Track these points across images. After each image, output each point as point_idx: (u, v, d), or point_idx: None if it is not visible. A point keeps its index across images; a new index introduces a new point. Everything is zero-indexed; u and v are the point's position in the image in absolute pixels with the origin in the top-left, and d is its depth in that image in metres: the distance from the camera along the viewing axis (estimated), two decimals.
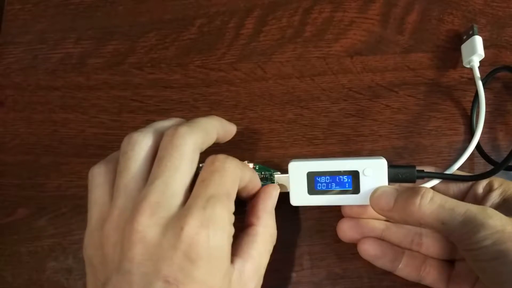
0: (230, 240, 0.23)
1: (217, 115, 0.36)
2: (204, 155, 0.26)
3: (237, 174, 0.25)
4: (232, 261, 0.25)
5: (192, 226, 0.21)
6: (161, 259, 0.21)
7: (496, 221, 0.24)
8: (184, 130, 0.24)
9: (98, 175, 0.25)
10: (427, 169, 0.30)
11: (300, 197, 0.30)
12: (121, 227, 0.23)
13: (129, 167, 0.24)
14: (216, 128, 0.27)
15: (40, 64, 0.39)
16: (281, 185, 0.30)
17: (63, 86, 0.38)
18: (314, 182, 0.29)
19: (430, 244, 0.30)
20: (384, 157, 0.29)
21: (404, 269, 0.30)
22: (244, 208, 0.29)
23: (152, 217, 0.22)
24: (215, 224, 0.22)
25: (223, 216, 0.23)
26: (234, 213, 0.24)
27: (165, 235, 0.22)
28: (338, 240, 0.32)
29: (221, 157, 0.25)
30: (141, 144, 0.24)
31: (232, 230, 0.24)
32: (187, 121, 0.26)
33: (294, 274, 0.33)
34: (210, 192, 0.23)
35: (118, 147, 0.36)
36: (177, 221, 0.22)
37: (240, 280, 0.25)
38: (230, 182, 0.24)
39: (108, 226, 0.23)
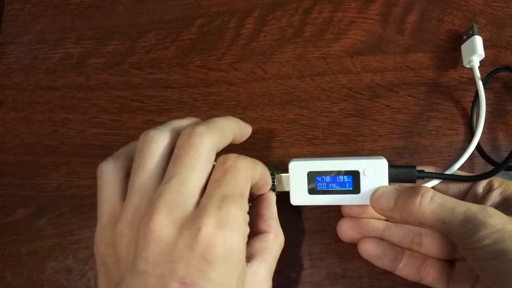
0: (245, 240, 0.23)
1: (217, 115, 0.36)
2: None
3: (249, 172, 0.25)
4: (247, 262, 0.25)
5: (209, 227, 0.21)
6: (177, 260, 0.21)
7: (496, 220, 0.24)
8: (201, 129, 0.24)
9: (107, 172, 0.25)
10: (427, 169, 0.30)
11: (300, 196, 0.30)
12: (135, 226, 0.22)
13: (145, 165, 0.24)
14: (233, 128, 0.27)
15: (40, 64, 0.39)
16: (280, 185, 0.31)
17: (63, 86, 0.38)
18: (314, 182, 0.29)
19: (430, 244, 0.30)
20: (384, 157, 0.29)
21: (404, 269, 0.30)
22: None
23: (169, 216, 0.21)
24: (231, 224, 0.22)
25: (239, 216, 0.23)
26: None
27: (181, 235, 0.21)
28: (338, 240, 0.32)
29: (233, 156, 0.24)
30: (157, 142, 0.24)
31: (247, 230, 0.23)
32: (204, 121, 0.26)
33: (294, 274, 0.33)
34: (224, 192, 0.23)
35: (118, 147, 0.36)
36: (193, 221, 0.21)
37: (254, 281, 0.25)
38: (243, 181, 0.24)
39: (122, 224, 0.23)
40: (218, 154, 0.25)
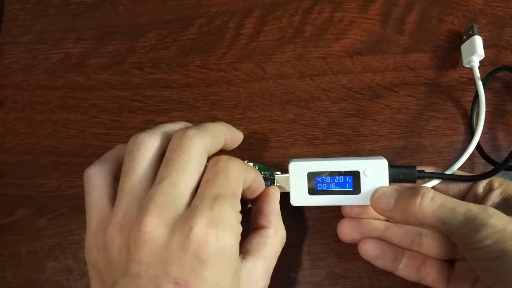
0: (238, 238, 0.23)
1: (217, 115, 0.36)
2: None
3: (241, 173, 0.25)
4: (243, 258, 0.25)
5: (201, 226, 0.21)
6: (170, 260, 0.21)
7: (496, 220, 0.24)
8: (193, 132, 0.24)
9: (94, 176, 0.25)
10: (427, 169, 0.30)
11: (300, 197, 0.30)
12: (126, 229, 0.22)
13: (134, 168, 0.24)
14: (224, 133, 0.27)
15: (40, 64, 0.39)
16: (280, 186, 0.30)
17: (63, 86, 0.38)
18: (314, 182, 0.29)
19: (430, 244, 0.30)
20: (384, 157, 0.29)
21: (404, 269, 0.30)
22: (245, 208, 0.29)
23: (160, 217, 0.21)
24: (223, 223, 0.22)
25: (231, 215, 0.23)
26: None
27: (173, 236, 0.21)
28: (338, 240, 0.32)
29: (224, 157, 0.25)
30: (147, 145, 0.24)
31: (240, 229, 0.23)
32: (195, 125, 0.26)
33: (294, 274, 0.33)
34: (216, 192, 0.23)
35: None
36: (185, 221, 0.21)
37: (250, 278, 0.25)
38: (234, 181, 0.24)
39: (112, 228, 0.23)
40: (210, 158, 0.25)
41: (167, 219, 0.22)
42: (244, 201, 0.25)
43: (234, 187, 0.24)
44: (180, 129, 0.24)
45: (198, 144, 0.24)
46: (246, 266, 0.25)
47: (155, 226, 0.21)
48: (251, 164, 0.31)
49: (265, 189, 0.29)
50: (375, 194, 0.28)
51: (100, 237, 0.23)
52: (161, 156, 0.24)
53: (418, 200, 0.26)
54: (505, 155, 0.33)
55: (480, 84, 0.33)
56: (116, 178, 0.25)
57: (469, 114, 0.35)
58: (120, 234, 0.23)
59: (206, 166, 0.25)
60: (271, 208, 0.28)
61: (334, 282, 0.33)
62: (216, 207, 0.22)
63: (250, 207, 0.30)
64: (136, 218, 0.22)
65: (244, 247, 0.26)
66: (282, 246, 0.28)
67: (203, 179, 0.24)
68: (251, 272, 0.25)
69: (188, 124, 0.28)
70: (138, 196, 0.23)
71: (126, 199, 0.23)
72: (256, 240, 0.27)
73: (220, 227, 0.22)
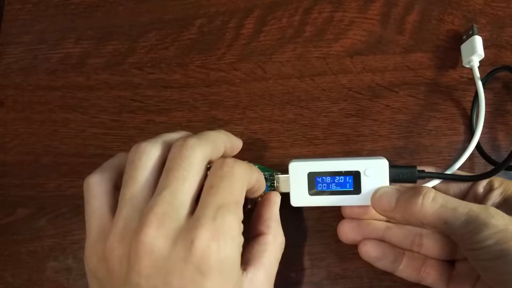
0: (240, 249, 0.23)
1: (217, 115, 0.36)
2: None
3: (245, 179, 0.25)
4: (244, 269, 0.25)
5: (203, 238, 0.21)
6: (171, 272, 0.21)
7: (498, 220, 0.24)
8: (193, 141, 0.24)
9: (94, 185, 0.25)
10: (428, 169, 0.30)
11: (300, 197, 0.30)
12: (127, 239, 0.22)
13: (136, 177, 0.24)
14: (224, 141, 0.27)
15: (40, 64, 0.39)
16: (280, 187, 0.30)
17: (63, 86, 0.38)
18: (314, 183, 0.29)
19: (431, 245, 0.30)
20: (384, 157, 0.29)
21: (405, 270, 0.30)
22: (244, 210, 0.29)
23: (160, 228, 0.21)
24: (225, 235, 0.22)
25: (233, 226, 0.22)
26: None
27: (174, 247, 0.21)
28: (338, 240, 0.32)
29: (230, 161, 0.24)
30: (148, 154, 0.24)
31: (241, 240, 0.23)
32: (195, 134, 0.26)
33: (294, 274, 0.33)
34: (219, 201, 0.22)
35: (118, 147, 0.36)
36: (186, 233, 0.21)
37: None
38: (239, 188, 0.24)
39: (113, 238, 0.23)
40: None
41: (168, 229, 0.22)
42: (244, 202, 0.25)
43: (237, 195, 0.24)
44: (180, 138, 0.24)
45: (198, 153, 0.23)
46: (247, 277, 0.25)
47: (155, 237, 0.21)
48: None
49: (265, 194, 0.29)
50: (376, 194, 0.28)
51: (100, 246, 0.23)
52: (162, 165, 0.24)
53: (420, 200, 0.26)
54: (505, 155, 0.33)
55: (480, 84, 0.33)
56: (116, 187, 0.25)
57: (469, 114, 0.35)
58: (120, 244, 0.22)
59: (207, 172, 0.24)
60: (270, 213, 0.28)
61: (334, 282, 0.33)
62: (219, 218, 0.22)
63: (250, 208, 0.30)
64: (136, 228, 0.22)
65: (245, 257, 0.26)
66: (282, 251, 0.28)
67: (206, 184, 0.24)
68: (253, 282, 0.25)
69: (188, 133, 0.28)
70: (139, 205, 0.23)
71: (127, 208, 0.23)
72: (255, 248, 0.26)
73: (222, 239, 0.22)
